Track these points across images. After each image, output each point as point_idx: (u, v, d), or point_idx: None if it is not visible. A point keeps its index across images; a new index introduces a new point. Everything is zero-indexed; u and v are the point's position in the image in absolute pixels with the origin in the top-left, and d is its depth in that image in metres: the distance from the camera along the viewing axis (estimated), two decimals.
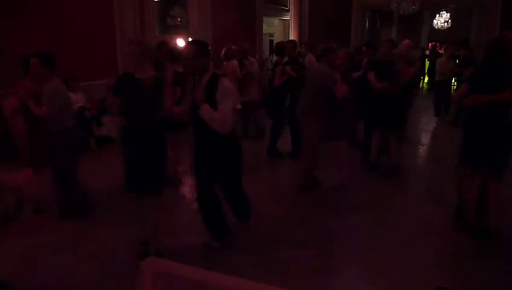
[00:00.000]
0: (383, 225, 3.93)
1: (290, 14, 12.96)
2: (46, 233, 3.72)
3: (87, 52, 6.79)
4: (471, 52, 9.36)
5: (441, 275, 3.07)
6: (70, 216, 3.96)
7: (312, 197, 4.60)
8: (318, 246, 3.52)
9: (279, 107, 6.04)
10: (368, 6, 14.51)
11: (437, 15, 16.37)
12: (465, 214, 3.70)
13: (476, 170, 3.55)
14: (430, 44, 18.69)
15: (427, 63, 14.37)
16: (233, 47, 6.93)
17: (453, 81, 9.65)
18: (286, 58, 5.99)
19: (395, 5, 12.44)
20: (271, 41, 13.44)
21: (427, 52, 16.16)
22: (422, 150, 7.12)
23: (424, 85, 14.97)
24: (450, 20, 16.13)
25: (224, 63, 6.73)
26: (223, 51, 6.81)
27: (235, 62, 6.76)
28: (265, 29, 12.24)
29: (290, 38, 12.02)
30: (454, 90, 9.62)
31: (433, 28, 17.17)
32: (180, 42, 8.23)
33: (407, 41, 5.36)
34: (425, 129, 8.55)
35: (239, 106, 4.65)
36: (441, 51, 13.32)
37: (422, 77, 14.14)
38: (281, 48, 6.25)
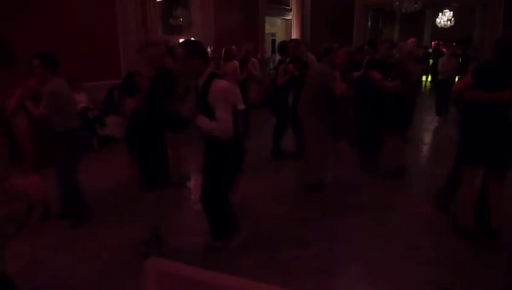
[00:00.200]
0: (383, 225, 3.93)
1: (292, 13, 12.94)
2: (46, 233, 3.73)
3: (88, 52, 6.78)
4: (467, 50, 9.27)
5: (441, 275, 3.08)
6: (70, 216, 3.96)
7: (313, 197, 4.61)
8: (319, 246, 3.52)
9: (282, 106, 6.02)
10: (370, 5, 14.46)
11: (440, 13, 16.31)
12: (461, 215, 3.68)
13: (476, 170, 3.54)
14: (433, 42, 18.65)
15: (430, 61, 14.31)
16: (233, 47, 6.90)
17: (456, 80, 9.61)
18: (288, 59, 5.97)
19: (398, 3, 12.38)
20: (273, 41, 13.43)
21: (430, 50, 16.11)
22: (424, 149, 7.11)
23: (427, 84, 14.92)
24: (453, 19, 16.07)
25: (221, 62, 6.63)
26: (223, 52, 6.76)
27: (235, 62, 6.69)
28: (268, 28, 12.21)
29: (292, 38, 12.00)
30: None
31: (436, 26, 17.11)
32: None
33: (412, 39, 5.35)
34: (428, 128, 8.53)
35: (242, 106, 4.61)
36: (444, 50, 13.26)
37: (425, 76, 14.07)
38: (284, 47, 6.21)
